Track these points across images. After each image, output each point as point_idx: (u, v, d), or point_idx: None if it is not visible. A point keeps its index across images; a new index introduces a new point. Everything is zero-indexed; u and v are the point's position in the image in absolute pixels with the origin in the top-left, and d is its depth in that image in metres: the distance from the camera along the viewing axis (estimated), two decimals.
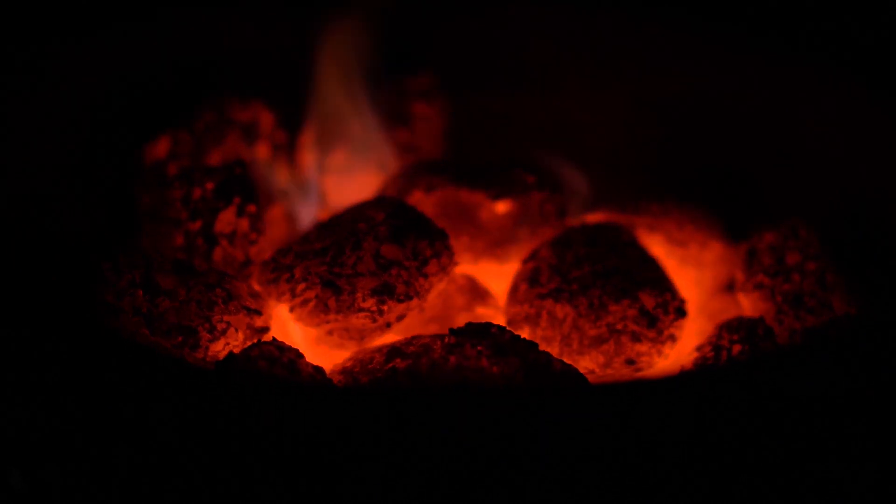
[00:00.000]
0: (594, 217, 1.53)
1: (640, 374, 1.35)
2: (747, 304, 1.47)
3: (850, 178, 1.57)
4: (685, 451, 1.10)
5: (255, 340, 1.31)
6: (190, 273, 1.34)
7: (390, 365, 1.30)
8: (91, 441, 1.16)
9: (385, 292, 1.32)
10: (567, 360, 1.33)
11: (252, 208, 1.43)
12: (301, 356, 1.25)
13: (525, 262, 1.45)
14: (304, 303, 1.32)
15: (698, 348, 1.37)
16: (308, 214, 1.55)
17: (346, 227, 1.38)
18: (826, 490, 1.19)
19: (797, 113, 1.64)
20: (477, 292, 1.46)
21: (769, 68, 1.66)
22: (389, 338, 1.36)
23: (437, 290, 1.37)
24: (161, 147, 1.55)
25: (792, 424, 1.14)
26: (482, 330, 1.25)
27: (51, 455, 1.20)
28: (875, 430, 1.21)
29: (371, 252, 1.34)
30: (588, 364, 1.34)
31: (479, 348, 1.22)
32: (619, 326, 1.35)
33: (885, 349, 1.19)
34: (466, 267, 1.47)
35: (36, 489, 1.21)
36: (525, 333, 1.37)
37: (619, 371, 1.34)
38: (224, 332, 1.31)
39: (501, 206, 1.48)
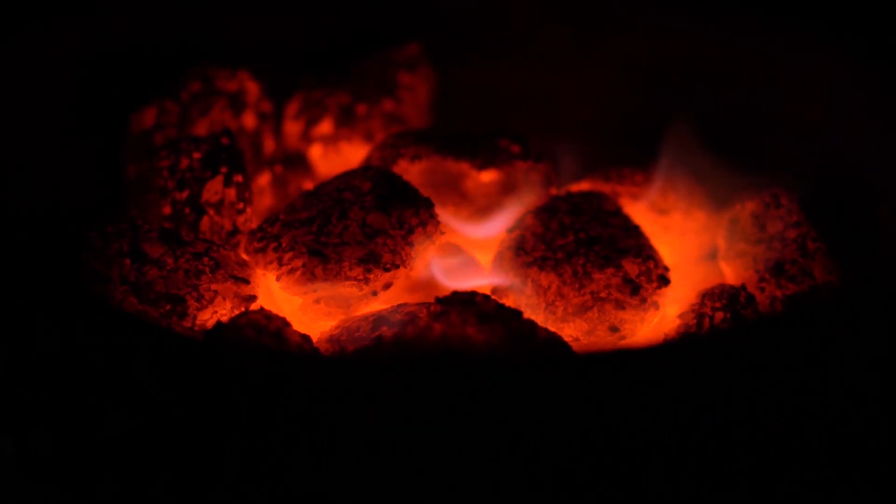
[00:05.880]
0: (579, 186, 1.54)
1: (623, 342, 1.36)
2: (729, 272, 1.48)
3: (831, 144, 1.57)
4: (668, 420, 1.11)
5: (243, 309, 1.32)
6: (177, 242, 1.35)
7: (377, 333, 1.31)
8: (79, 409, 1.16)
9: (371, 261, 1.32)
10: (551, 328, 1.34)
11: (239, 178, 1.43)
12: (288, 325, 1.25)
13: (510, 230, 1.46)
14: (292, 271, 1.33)
15: (681, 315, 1.38)
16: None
17: (332, 196, 1.39)
18: (806, 455, 1.21)
19: (780, 80, 1.64)
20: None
21: (754, 35, 1.66)
22: (376, 306, 1.37)
23: (424, 259, 1.38)
24: (148, 117, 1.54)
25: (774, 392, 1.16)
26: (468, 298, 1.25)
27: (40, 422, 1.20)
28: (855, 396, 1.22)
29: (357, 221, 1.35)
30: (572, 331, 1.35)
31: (464, 316, 1.22)
32: (602, 294, 1.36)
33: (865, 317, 1.20)
34: (452, 235, 1.48)
35: (26, 455, 1.22)
36: (510, 301, 1.38)
37: (603, 338, 1.35)
38: (212, 301, 1.32)
39: (486, 176, 1.48)
